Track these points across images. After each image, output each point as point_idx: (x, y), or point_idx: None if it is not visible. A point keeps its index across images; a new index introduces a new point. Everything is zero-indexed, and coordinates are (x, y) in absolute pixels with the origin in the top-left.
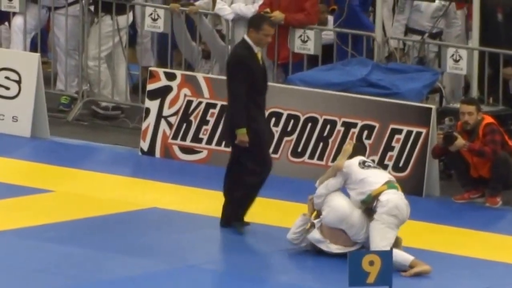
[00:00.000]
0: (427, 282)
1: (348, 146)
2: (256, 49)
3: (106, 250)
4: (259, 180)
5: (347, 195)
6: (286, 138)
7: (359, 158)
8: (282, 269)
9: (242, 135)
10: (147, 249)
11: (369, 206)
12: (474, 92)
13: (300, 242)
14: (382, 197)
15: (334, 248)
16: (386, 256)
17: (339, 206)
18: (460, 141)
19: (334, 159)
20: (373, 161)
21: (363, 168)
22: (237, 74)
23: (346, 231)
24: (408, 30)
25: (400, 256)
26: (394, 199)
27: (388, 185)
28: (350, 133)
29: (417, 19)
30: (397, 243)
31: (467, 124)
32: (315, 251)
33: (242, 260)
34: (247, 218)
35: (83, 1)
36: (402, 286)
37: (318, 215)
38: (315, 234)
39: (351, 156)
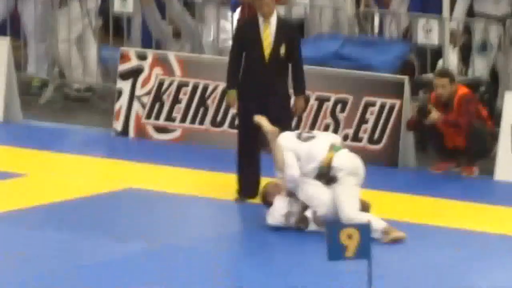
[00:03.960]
0: (405, 253)
1: (259, 118)
2: (262, 19)
3: (83, 234)
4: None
5: None
6: None
7: (290, 133)
8: (262, 246)
9: (228, 96)
10: (124, 230)
11: (327, 178)
12: (448, 63)
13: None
14: (335, 163)
15: None
16: (364, 229)
17: (329, 200)
18: (434, 114)
19: None
20: (306, 131)
21: (302, 142)
22: (233, 37)
23: None
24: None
25: (373, 224)
26: (346, 159)
27: (334, 149)
28: (324, 107)
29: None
30: (365, 208)
31: (441, 96)
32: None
33: (221, 239)
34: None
35: None
36: (381, 259)
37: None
38: (312, 227)
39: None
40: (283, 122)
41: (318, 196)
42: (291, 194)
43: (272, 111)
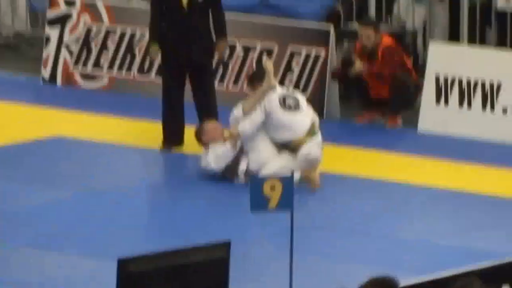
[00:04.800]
0: (330, 204)
1: (269, 63)
2: None
3: (10, 180)
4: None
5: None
6: None
7: (279, 92)
8: (186, 194)
9: (151, 49)
10: (50, 177)
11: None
12: (372, 12)
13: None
14: (304, 150)
15: None
16: (287, 181)
17: (266, 159)
18: (359, 66)
19: (234, 83)
20: (292, 96)
21: (284, 109)
22: None
23: None
24: None
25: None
26: (315, 151)
27: (311, 133)
28: (249, 56)
29: None
30: None
31: (365, 47)
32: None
33: (146, 187)
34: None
35: None
36: (304, 210)
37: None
38: (241, 180)
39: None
40: (206, 68)
41: (259, 151)
42: (234, 143)
43: (195, 57)
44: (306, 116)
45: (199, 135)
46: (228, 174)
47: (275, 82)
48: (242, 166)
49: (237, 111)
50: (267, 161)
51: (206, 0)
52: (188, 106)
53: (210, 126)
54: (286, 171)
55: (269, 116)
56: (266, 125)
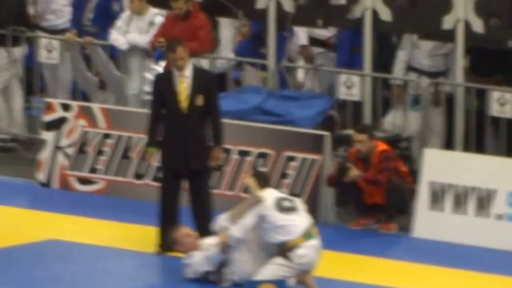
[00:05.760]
0: None
1: (249, 180)
2: (178, 72)
3: (5, 284)
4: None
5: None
6: None
7: (274, 196)
8: None
9: (147, 153)
10: (46, 281)
11: (282, 253)
12: (367, 119)
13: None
14: (299, 251)
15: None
16: (281, 284)
17: (249, 272)
18: (354, 172)
19: (230, 189)
20: (289, 199)
21: (281, 212)
22: (152, 92)
23: None
24: (408, 68)
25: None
26: (310, 254)
27: (307, 235)
28: (246, 161)
29: (416, 57)
30: None
31: (359, 152)
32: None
33: None
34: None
35: None
36: None
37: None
38: (227, 284)
39: (260, 187)
40: (203, 174)
41: (243, 265)
42: (223, 248)
43: (192, 163)
44: (302, 218)
45: (172, 245)
46: (213, 277)
47: (261, 194)
48: (227, 270)
49: (224, 219)
50: (251, 272)
51: (206, 104)
52: (186, 210)
53: (180, 234)
54: (279, 277)
55: (264, 219)
56: (261, 228)
